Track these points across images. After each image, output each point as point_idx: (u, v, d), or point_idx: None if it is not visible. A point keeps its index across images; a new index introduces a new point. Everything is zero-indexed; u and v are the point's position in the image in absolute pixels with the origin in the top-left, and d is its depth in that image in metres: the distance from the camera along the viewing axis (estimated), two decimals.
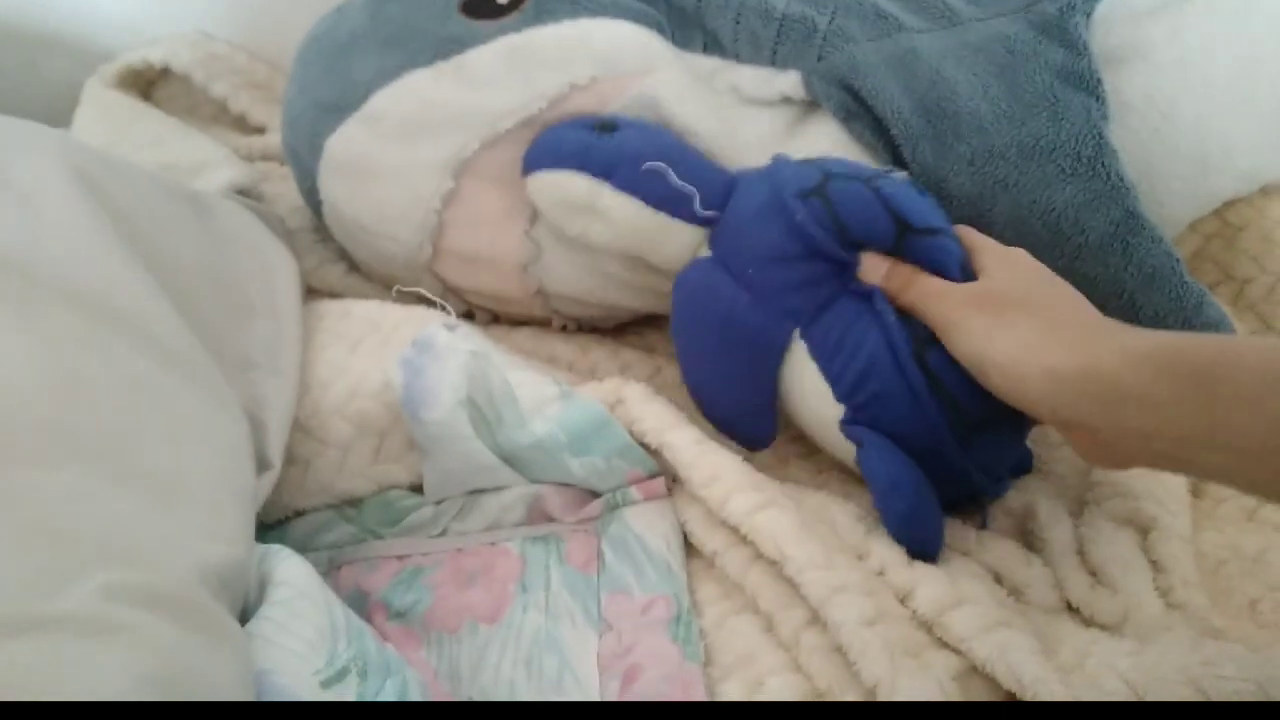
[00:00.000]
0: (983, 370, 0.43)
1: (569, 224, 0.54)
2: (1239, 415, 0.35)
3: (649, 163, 0.52)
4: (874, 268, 0.47)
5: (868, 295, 0.47)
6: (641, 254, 0.54)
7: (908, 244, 0.47)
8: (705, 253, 0.52)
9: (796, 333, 0.48)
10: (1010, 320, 0.42)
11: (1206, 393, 0.35)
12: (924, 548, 0.45)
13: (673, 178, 0.52)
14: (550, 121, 0.56)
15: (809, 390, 0.48)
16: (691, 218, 0.52)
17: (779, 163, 0.51)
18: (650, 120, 0.56)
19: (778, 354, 0.49)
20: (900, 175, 0.50)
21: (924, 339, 0.45)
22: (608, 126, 0.53)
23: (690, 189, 0.52)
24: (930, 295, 0.45)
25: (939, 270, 0.46)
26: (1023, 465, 0.53)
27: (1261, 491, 0.36)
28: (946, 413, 0.45)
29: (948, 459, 0.46)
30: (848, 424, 0.47)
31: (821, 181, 0.48)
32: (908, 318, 0.46)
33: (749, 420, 0.51)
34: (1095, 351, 0.39)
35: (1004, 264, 0.46)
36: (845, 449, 0.48)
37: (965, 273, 0.46)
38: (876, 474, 0.46)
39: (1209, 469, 0.37)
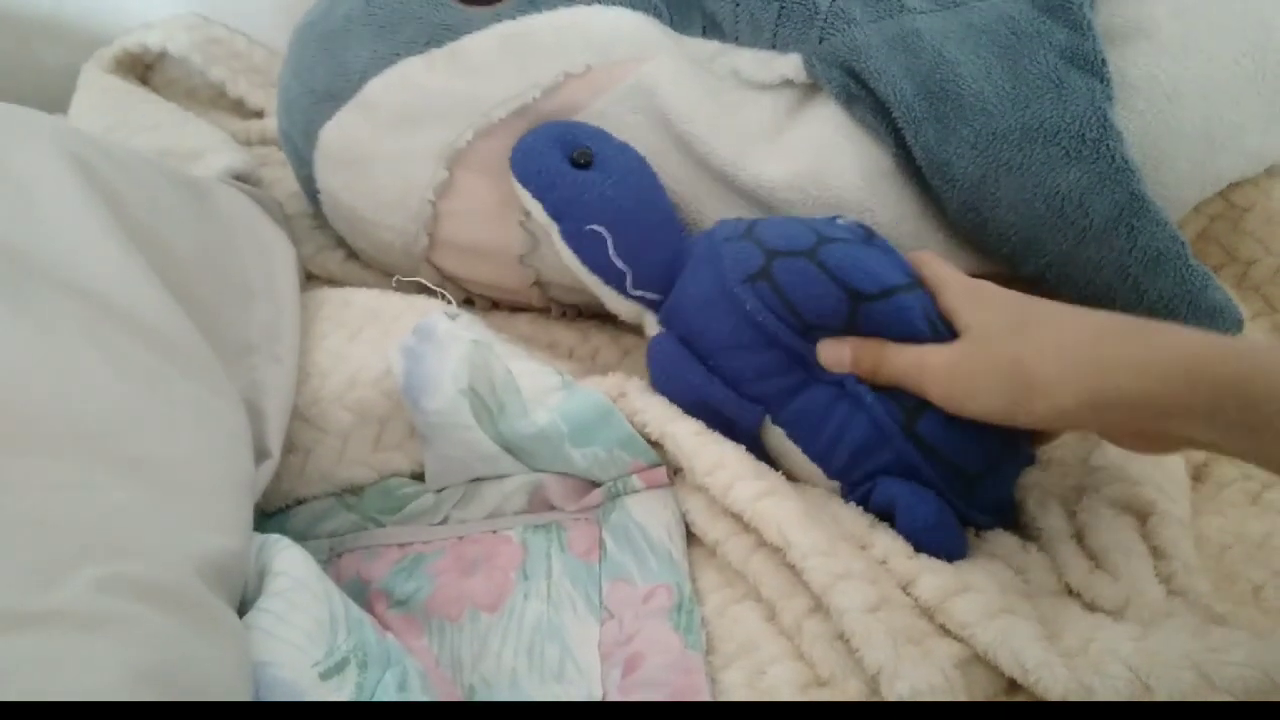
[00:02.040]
0: (1010, 421, 0.42)
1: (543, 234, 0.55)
2: (1269, 432, 0.34)
3: (592, 225, 0.51)
4: (836, 357, 0.46)
5: (839, 381, 0.46)
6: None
7: (864, 312, 0.46)
8: (655, 328, 0.53)
9: (769, 418, 0.48)
10: (1008, 367, 0.41)
11: (1244, 412, 0.35)
12: (950, 554, 0.44)
13: (609, 249, 0.51)
14: (545, 112, 0.55)
15: (797, 466, 0.49)
16: (623, 293, 0.53)
17: (718, 239, 0.50)
18: (645, 118, 0.55)
19: (752, 436, 0.49)
20: (844, 224, 0.49)
21: (911, 408, 0.45)
22: (583, 159, 0.52)
23: (622, 268, 0.52)
24: (909, 369, 0.44)
25: (904, 332, 0.45)
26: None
27: None
28: (946, 475, 0.45)
29: (952, 509, 0.46)
30: (849, 494, 0.47)
31: (765, 263, 0.47)
32: (887, 390, 0.45)
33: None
34: (1113, 375, 0.38)
35: (973, 304, 0.44)
36: (835, 489, 0.49)
37: (931, 322, 0.45)
38: (895, 493, 0.45)
39: (1252, 460, 0.37)
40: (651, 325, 0.53)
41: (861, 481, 0.47)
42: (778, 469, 0.49)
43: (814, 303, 0.46)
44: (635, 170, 0.53)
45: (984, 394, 0.42)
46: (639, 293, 0.52)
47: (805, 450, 0.48)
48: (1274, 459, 0.36)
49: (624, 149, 0.53)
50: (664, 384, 0.51)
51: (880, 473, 0.46)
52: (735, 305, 0.47)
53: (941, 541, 0.44)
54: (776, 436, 0.49)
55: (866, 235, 0.49)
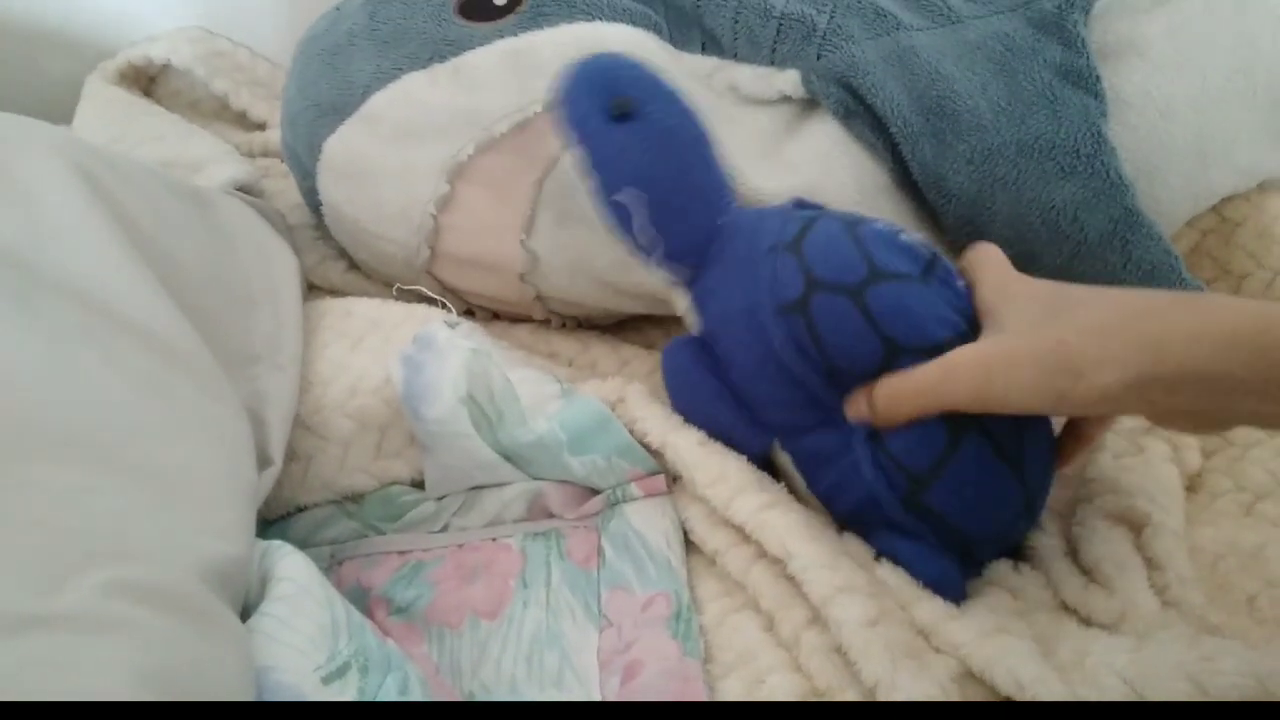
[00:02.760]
0: (1053, 410, 0.39)
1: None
2: None
3: (625, 190, 0.47)
4: (858, 411, 0.43)
5: (848, 433, 0.43)
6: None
7: (898, 365, 0.42)
8: (684, 305, 0.50)
9: (777, 444, 0.47)
10: (1049, 352, 0.38)
11: None
12: (954, 596, 0.43)
13: (640, 217, 0.47)
14: (546, 126, 0.55)
15: (801, 494, 0.47)
16: (650, 262, 0.49)
17: (762, 246, 0.45)
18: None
19: (756, 454, 0.47)
20: (907, 243, 0.44)
21: (919, 478, 0.41)
22: (624, 110, 0.47)
23: (650, 239, 0.48)
24: (932, 381, 0.40)
25: None
26: None
27: None
28: (951, 542, 0.43)
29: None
30: (847, 531, 0.46)
31: (804, 295, 0.42)
32: (896, 454, 0.42)
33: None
34: (1165, 350, 0.35)
35: (1003, 298, 0.42)
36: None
37: None
38: (894, 549, 0.44)
39: None
40: (680, 300, 0.50)
41: (864, 526, 0.45)
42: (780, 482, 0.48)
43: (848, 349, 0.42)
44: (678, 128, 0.48)
45: (1024, 384, 0.38)
46: (668, 266, 0.49)
47: (810, 485, 0.46)
48: None
49: (670, 101, 0.48)
50: (676, 398, 0.49)
51: (881, 527, 0.44)
52: (763, 335, 0.44)
53: (942, 591, 0.42)
54: (784, 461, 0.47)
55: (928, 263, 0.44)
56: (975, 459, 0.41)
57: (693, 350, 0.49)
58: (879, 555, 0.44)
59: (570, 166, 0.55)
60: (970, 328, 0.42)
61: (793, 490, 0.48)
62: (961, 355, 0.40)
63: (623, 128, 0.47)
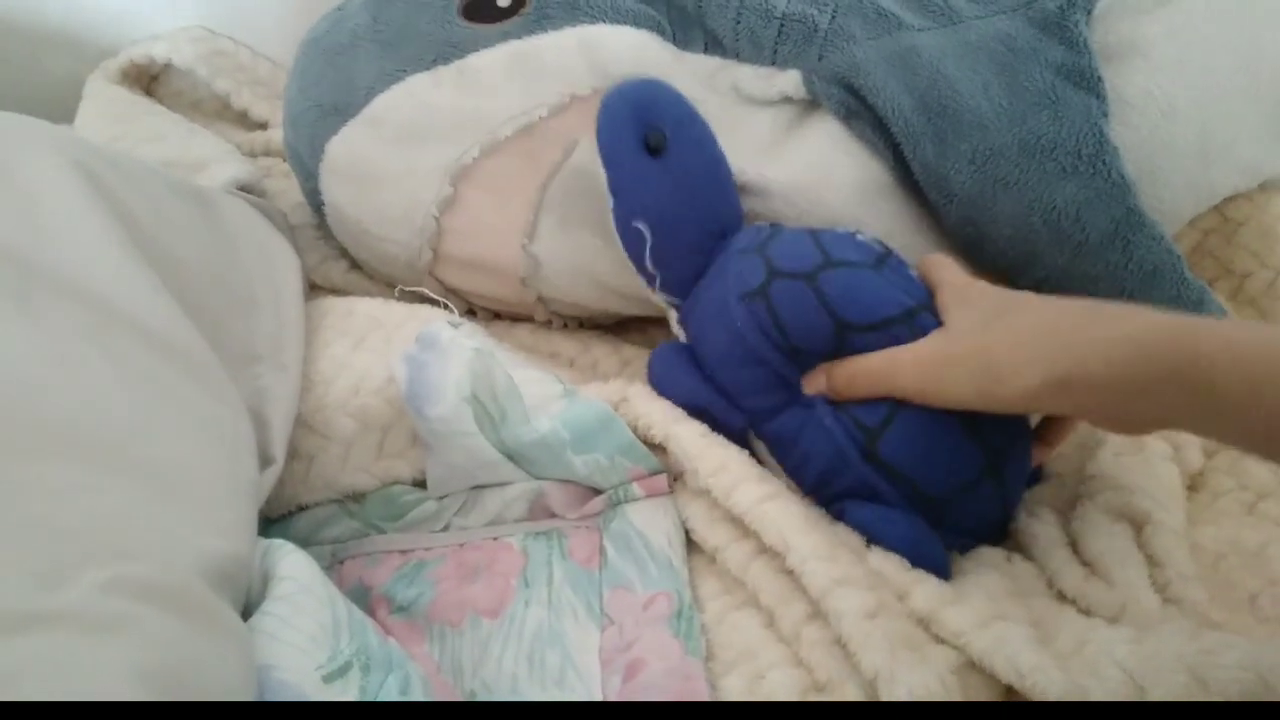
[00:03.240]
0: (983, 406, 0.42)
1: None
2: (1220, 410, 0.35)
3: (638, 221, 0.51)
4: (815, 384, 0.47)
5: (810, 404, 0.47)
6: None
7: (849, 342, 0.46)
8: (675, 326, 0.54)
9: (752, 431, 0.49)
10: (975, 355, 0.42)
11: (1189, 385, 0.36)
12: (934, 564, 0.44)
13: (647, 249, 0.52)
14: (551, 131, 0.56)
15: (777, 475, 0.49)
16: (651, 288, 0.53)
17: (734, 250, 0.50)
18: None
19: (740, 437, 0.49)
20: (862, 241, 0.49)
21: (873, 429, 0.45)
22: (656, 144, 0.51)
23: (652, 271, 0.52)
24: (881, 371, 0.45)
25: None
26: (1034, 478, 0.52)
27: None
28: (910, 497, 0.45)
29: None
30: (821, 508, 0.47)
31: (765, 282, 0.47)
32: (853, 412, 0.45)
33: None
34: (1072, 355, 0.39)
35: (957, 303, 0.46)
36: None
37: None
38: (863, 518, 0.45)
39: (1218, 439, 0.38)
40: (673, 322, 0.54)
41: (831, 501, 0.47)
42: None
43: (804, 329, 0.46)
44: (700, 172, 0.52)
45: (953, 382, 0.43)
46: (667, 297, 0.53)
47: (783, 465, 0.49)
48: (1233, 437, 0.37)
49: (699, 144, 0.52)
50: (660, 387, 0.52)
51: (846, 495, 0.46)
52: (729, 320, 0.48)
53: (921, 559, 0.44)
54: (760, 449, 0.49)
55: (880, 256, 0.48)
56: (920, 412, 0.45)
57: (677, 350, 0.53)
58: (845, 522, 0.46)
59: (573, 170, 0.55)
60: (919, 307, 0.46)
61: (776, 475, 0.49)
62: (905, 353, 0.45)
63: (649, 161, 0.51)
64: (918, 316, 0.46)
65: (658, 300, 0.54)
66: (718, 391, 0.49)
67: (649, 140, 0.51)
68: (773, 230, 0.51)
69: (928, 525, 0.45)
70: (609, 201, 0.52)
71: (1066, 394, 0.39)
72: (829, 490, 0.47)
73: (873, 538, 0.45)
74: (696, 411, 0.50)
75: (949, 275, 0.48)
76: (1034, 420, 0.49)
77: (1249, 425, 0.35)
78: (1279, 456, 0.36)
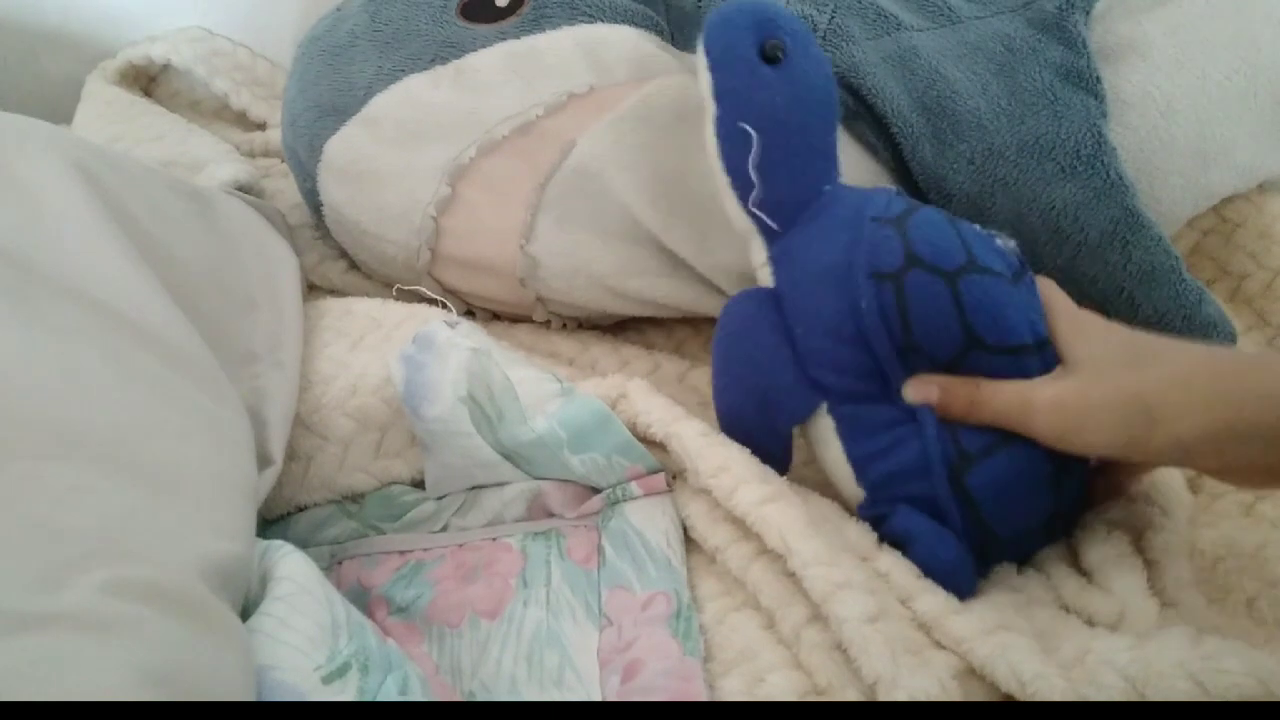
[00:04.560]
0: (1126, 455, 0.41)
1: None
2: None
3: (745, 124, 0.47)
4: (923, 394, 0.44)
5: (911, 410, 0.44)
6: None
7: (973, 359, 0.43)
8: (761, 257, 0.49)
9: (825, 406, 0.46)
10: (1127, 399, 0.40)
11: None
12: (961, 592, 0.43)
13: (751, 155, 0.47)
14: (548, 130, 0.56)
15: (831, 461, 0.47)
16: (745, 204, 0.48)
17: (867, 212, 0.46)
18: (647, 138, 0.54)
19: (795, 419, 0.47)
20: (1001, 246, 0.45)
21: (969, 456, 0.43)
22: (774, 53, 0.47)
23: (754, 179, 0.48)
24: (1012, 407, 0.42)
25: None
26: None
27: None
28: (971, 531, 0.43)
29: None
30: (866, 510, 0.46)
31: (902, 267, 0.43)
32: (958, 432, 0.43)
33: (761, 455, 0.48)
34: (1241, 406, 0.38)
35: (1081, 337, 0.43)
36: (857, 498, 0.47)
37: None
38: (915, 529, 0.44)
39: None
40: (758, 252, 0.49)
41: (886, 501, 0.45)
42: (787, 465, 0.48)
43: (931, 332, 0.43)
44: (817, 89, 0.48)
45: (1100, 428, 0.41)
46: (760, 213, 0.48)
47: (847, 450, 0.46)
48: None
49: (820, 63, 0.49)
50: (729, 345, 0.49)
51: (907, 502, 0.44)
52: (851, 294, 0.44)
53: (955, 585, 0.43)
54: (824, 426, 0.47)
55: (1019, 269, 0.45)
56: (1025, 455, 0.43)
57: (761, 300, 0.48)
58: (892, 536, 0.44)
59: (572, 171, 0.55)
60: (1047, 340, 0.44)
61: (820, 464, 0.48)
62: (1042, 395, 0.42)
63: (766, 68, 0.47)
64: (1046, 349, 0.44)
65: (744, 223, 0.49)
66: (795, 360, 0.46)
67: (765, 49, 0.47)
68: (908, 203, 0.47)
69: (970, 553, 0.44)
70: (710, 109, 0.48)
71: (1223, 445, 0.38)
72: (891, 492, 0.45)
73: (913, 548, 0.43)
74: (763, 379, 0.47)
75: (1062, 301, 0.46)
76: None
77: None
78: None
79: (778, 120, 0.47)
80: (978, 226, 0.47)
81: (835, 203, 0.48)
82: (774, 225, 0.48)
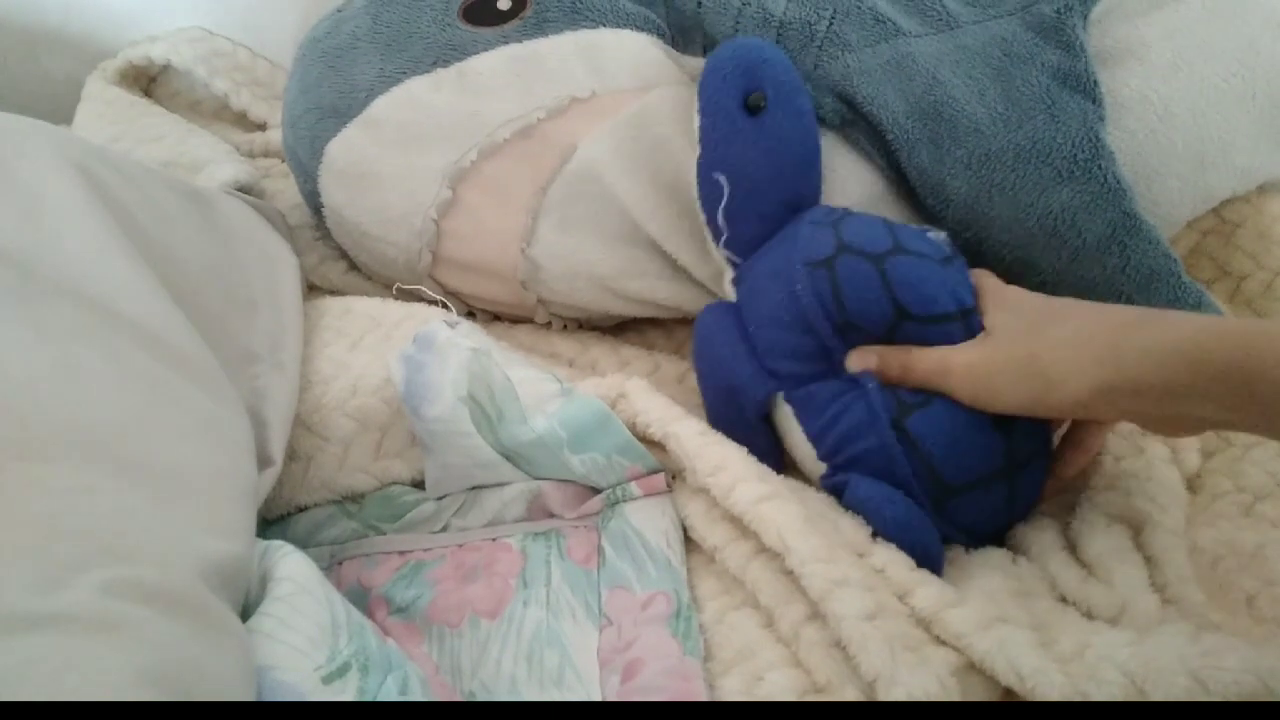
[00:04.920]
0: (1034, 412, 0.44)
1: None
2: (1271, 409, 0.36)
3: (719, 174, 0.52)
4: (863, 362, 0.47)
5: (855, 378, 0.47)
6: None
7: (903, 330, 0.47)
8: (728, 286, 0.54)
9: (780, 396, 0.49)
10: (1024, 363, 0.43)
11: (1238, 391, 0.36)
12: (926, 551, 0.44)
13: (720, 204, 0.52)
14: (549, 134, 0.56)
15: (795, 445, 0.50)
16: (716, 242, 0.53)
17: (805, 220, 0.51)
18: (645, 145, 0.55)
19: (757, 408, 0.50)
20: (932, 239, 0.49)
21: (909, 405, 0.46)
22: (755, 104, 0.51)
23: (720, 226, 0.52)
24: (934, 372, 0.46)
25: None
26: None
27: None
28: (922, 477, 0.46)
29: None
30: (827, 479, 0.49)
31: (833, 253, 0.47)
32: (898, 390, 0.46)
33: (751, 451, 0.50)
34: (1120, 363, 0.40)
35: (998, 307, 0.47)
36: (819, 473, 0.50)
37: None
38: (864, 494, 0.46)
39: (1266, 434, 0.39)
40: (727, 276, 0.54)
41: (843, 466, 0.47)
42: (779, 457, 0.50)
43: (862, 306, 0.47)
44: (793, 142, 0.52)
45: (1004, 388, 0.44)
46: (728, 252, 0.53)
47: (805, 428, 0.49)
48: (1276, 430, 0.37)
49: (799, 115, 0.52)
50: (700, 344, 0.53)
51: (859, 461, 0.47)
52: (789, 283, 0.48)
53: (913, 541, 0.44)
54: (784, 415, 0.50)
55: (948, 256, 0.49)
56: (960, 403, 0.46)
57: (724, 310, 0.53)
58: (851, 506, 0.47)
59: (573, 175, 0.55)
60: (974, 309, 0.47)
61: (789, 454, 0.51)
62: (956, 357, 0.45)
63: (744, 118, 0.51)
64: (971, 317, 0.47)
65: (717, 255, 0.54)
66: (753, 354, 0.50)
67: (749, 99, 0.51)
68: (846, 211, 0.51)
69: (927, 511, 0.46)
70: (697, 151, 0.52)
71: (1116, 400, 0.40)
72: (844, 454, 0.47)
73: (868, 515, 0.45)
74: (723, 390, 0.50)
75: (990, 280, 0.49)
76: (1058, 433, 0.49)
77: None
78: None
79: (747, 173, 0.51)
80: (913, 225, 0.51)
81: (791, 230, 0.51)
82: (739, 260, 0.53)
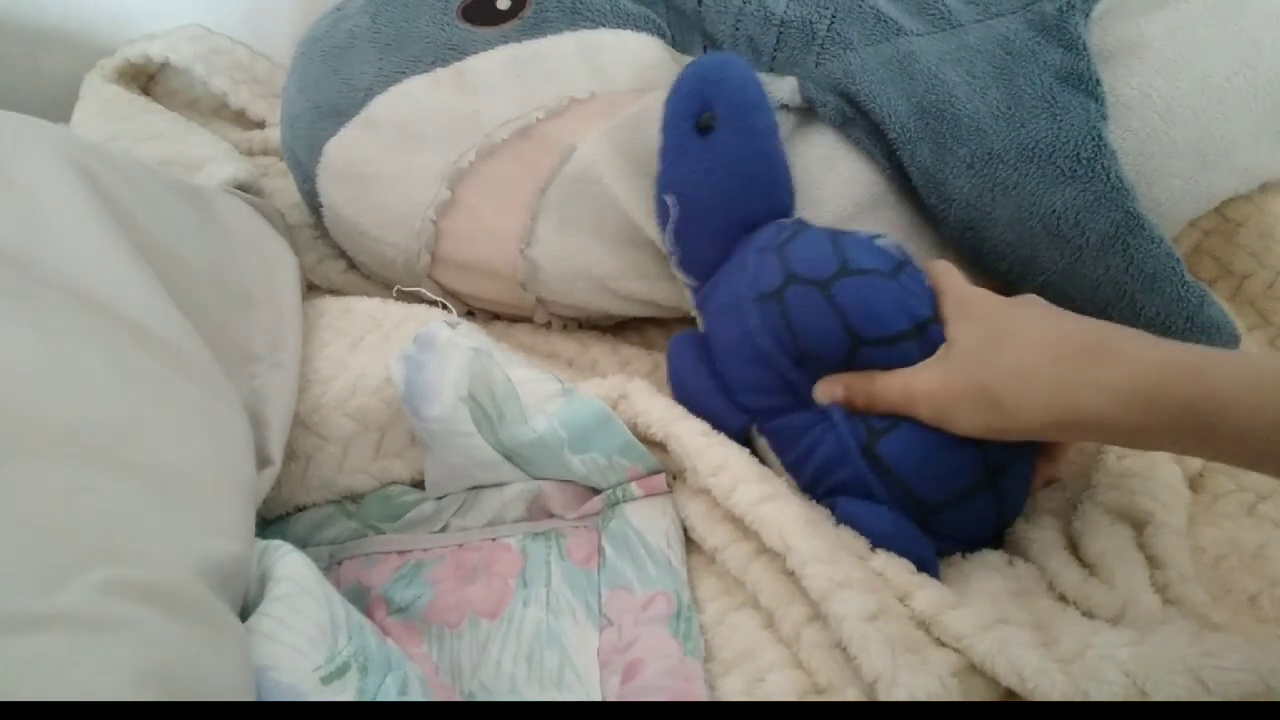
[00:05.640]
0: (996, 436, 0.43)
1: None
2: (1231, 447, 0.36)
3: (669, 194, 0.51)
4: (830, 393, 0.47)
5: (824, 410, 0.47)
6: None
7: (862, 355, 0.46)
8: (692, 310, 0.54)
9: (755, 428, 0.50)
10: (978, 393, 0.42)
11: (1197, 431, 0.36)
12: (920, 560, 0.44)
13: (671, 224, 0.52)
14: (548, 134, 0.56)
15: (777, 473, 0.49)
16: (670, 261, 0.53)
17: (753, 248, 0.50)
18: (644, 148, 0.55)
19: (737, 436, 0.49)
20: (880, 247, 0.48)
21: (878, 431, 0.45)
22: (705, 124, 0.51)
23: (672, 247, 0.52)
24: (899, 398, 0.45)
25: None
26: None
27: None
28: (901, 500, 0.45)
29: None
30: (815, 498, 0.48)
31: (781, 285, 0.47)
32: (864, 416, 0.46)
33: None
34: (1072, 397, 0.39)
35: (958, 317, 0.45)
36: None
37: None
38: (852, 511, 0.46)
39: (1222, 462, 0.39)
40: (690, 303, 0.54)
41: (824, 497, 0.47)
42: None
43: (816, 337, 0.46)
44: (742, 163, 0.51)
45: (964, 416, 0.43)
46: (681, 273, 0.53)
47: (782, 460, 0.49)
48: (1239, 462, 0.37)
49: (749, 134, 0.51)
50: (673, 381, 0.52)
51: (840, 490, 0.46)
52: (743, 320, 0.48)
53: (904, 552, 0.44)
54: (761, 447, 0.50)
55: (899, 263, 0.48)
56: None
57: (692, 342, 0.52)
58: (839, 522, 0.46)
59: (572, 175, 0.55)
60: (929, 319, 0.46)
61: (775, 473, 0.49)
62: (916, 384, 0.44)
63: (695, 139, 0.51)
64: (928, 330, 0.46)
65: (678, 276, 0.54)
66: (722, 388, 0.50)
67: (700, 119, 0.51)
68: (795, 228, 0.50)
69: (915, 525, 0.45)
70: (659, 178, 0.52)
71: (1073, 431, 0.41)
72: (824, 485, 0.47)
73: (859, 531, 0.45)
74: (699, 410, 0.50)
75: (950, 282, 0.48)
76: None
77: (1257, 450, 0.35)
78: None
79: (693, 195, 0.51)
80: (863, 232, 0.50)
81: (738, 248, 0.51)
82: (693, 283, 0.53)
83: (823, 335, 0.46)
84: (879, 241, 0.49)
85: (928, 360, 0.45)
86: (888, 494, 0.45)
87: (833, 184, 0.55)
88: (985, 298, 0.46)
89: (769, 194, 0.52)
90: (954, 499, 0.45)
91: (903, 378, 0.45)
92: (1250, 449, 0.35)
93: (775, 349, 0.47)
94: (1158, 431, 0.37)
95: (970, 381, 0.43)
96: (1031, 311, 0.44)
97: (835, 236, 0.49)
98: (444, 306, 0.59)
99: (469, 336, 0.52)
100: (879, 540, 0.45)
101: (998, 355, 0.42)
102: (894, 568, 0.43)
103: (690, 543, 0.48)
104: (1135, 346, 0.39)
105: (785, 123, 0.57)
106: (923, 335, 0.46)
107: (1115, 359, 0.39)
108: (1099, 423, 0.38)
